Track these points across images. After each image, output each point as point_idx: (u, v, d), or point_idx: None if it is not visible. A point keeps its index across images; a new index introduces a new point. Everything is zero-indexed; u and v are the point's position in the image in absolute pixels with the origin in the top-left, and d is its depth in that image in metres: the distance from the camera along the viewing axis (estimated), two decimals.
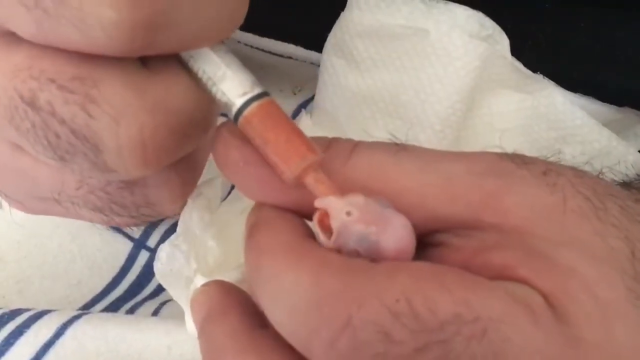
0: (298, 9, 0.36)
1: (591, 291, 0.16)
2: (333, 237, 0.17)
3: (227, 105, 0.19)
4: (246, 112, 0.19)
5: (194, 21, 0.18)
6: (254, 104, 0.19)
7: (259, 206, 0.20)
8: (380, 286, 0.16)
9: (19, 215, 0.35)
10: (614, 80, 0.31)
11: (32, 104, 0.19)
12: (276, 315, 0.17)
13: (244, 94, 0.19)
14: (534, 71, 0.29)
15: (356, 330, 0.15)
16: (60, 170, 0.22)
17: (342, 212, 0.17)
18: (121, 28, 0.17)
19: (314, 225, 0.18)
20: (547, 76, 0.29)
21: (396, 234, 0.17)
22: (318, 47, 0.30)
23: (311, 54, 0.37)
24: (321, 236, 0.18)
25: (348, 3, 0.28)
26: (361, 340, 0.15)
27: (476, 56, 0.25)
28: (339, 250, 0.17)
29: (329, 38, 0.28)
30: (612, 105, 0.31)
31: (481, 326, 0.15)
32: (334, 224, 0.17)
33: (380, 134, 0.21)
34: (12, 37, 0.19)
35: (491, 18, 0.26)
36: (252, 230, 0.19)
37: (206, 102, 0.20)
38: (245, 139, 0.19)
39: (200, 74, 0.20)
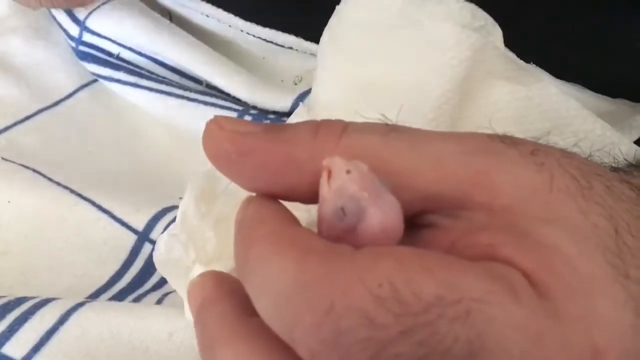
0: (299, 1, 0.36)
1: (573, 267, 0.17)
2: (331, 189, 0.17)
3: None
4: None
5: None
6: None
7: (247, 202, 0.20)
8: (362, 270, 0.16)
9: (26, 208, 0.35)
10: (607, 69, 0.31)
11: None
12: (262, 305, 0.17)
13: None
14: (527, 61, 0.29)
15: (339, 316, 0.15)
16: None
17: (343, 170, 0.17)
18: None
19: (322, 181, 0.18)
20: (539, 65, 0.29)
21: (385, 212, 0.17)
22: (318, 39, 0.30)
23: (312, 46, 0.38)
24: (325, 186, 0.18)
25: None
26: (344, 326, 0.15)
27: (468, 46, 0.25)
28: (327, 210, 0.18)
29: (325, 30, 0.29)
30: (606, 97, 0.31)
31: (464, 307, 0.15)
32: (333, 182, 0.17)
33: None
34: None
35: (483, 9, 0.26)
36: (240, 225, 0.19)
37: None
38: (236, 131, 0.19)
39: None
